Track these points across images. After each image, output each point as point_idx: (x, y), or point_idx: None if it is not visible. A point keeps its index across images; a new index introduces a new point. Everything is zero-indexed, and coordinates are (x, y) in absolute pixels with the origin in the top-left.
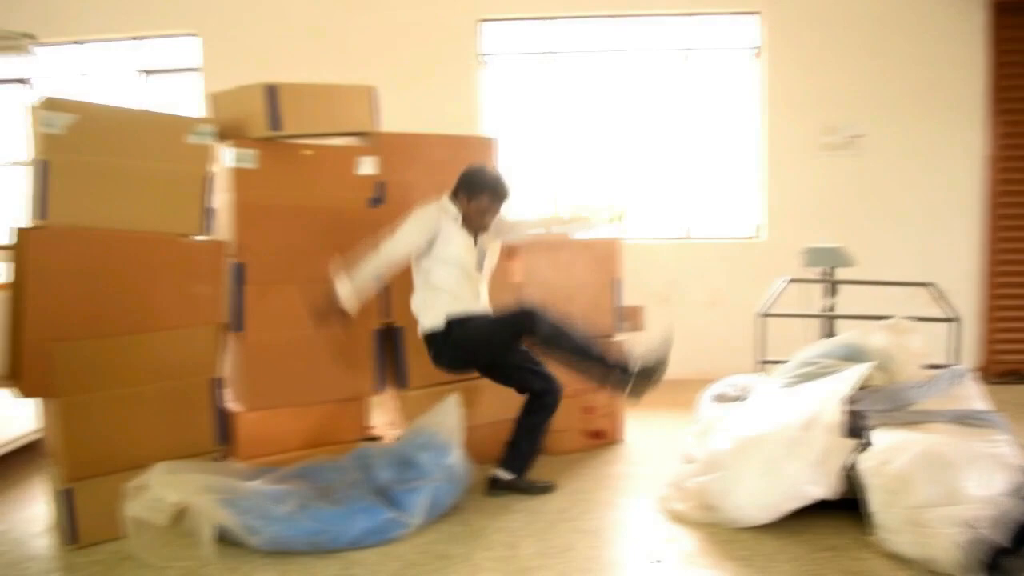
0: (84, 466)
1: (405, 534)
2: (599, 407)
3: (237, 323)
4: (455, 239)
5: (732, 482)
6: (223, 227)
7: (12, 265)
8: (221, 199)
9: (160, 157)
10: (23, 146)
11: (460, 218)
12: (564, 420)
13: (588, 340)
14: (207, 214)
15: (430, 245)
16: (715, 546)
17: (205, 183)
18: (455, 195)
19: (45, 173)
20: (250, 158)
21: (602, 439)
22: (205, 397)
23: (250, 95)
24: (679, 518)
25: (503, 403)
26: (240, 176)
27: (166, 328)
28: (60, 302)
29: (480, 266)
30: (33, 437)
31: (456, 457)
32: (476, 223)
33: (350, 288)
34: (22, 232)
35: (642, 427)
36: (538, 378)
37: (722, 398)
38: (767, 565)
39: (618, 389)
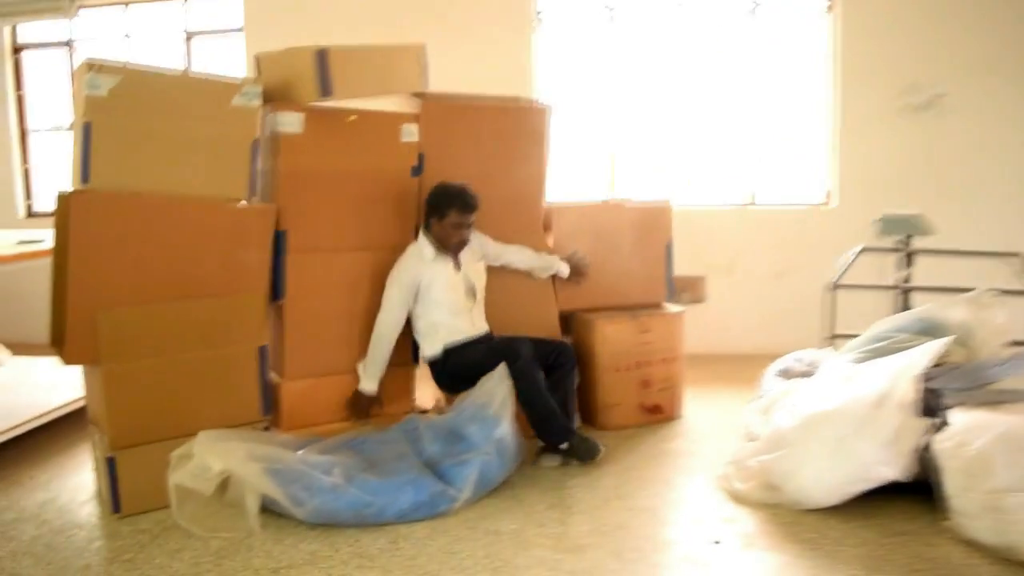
0: (127, 435)
1: (454, 508)
2: (656, 381)
3: (277, 291)
4: (437, 281)
5: (797, 461)
6: (265, 193)
7: (57, 230)
8: (264, 164)
9: (205, 120)
10: (68, 110)
11: (435, 252)
12: (619, 394)
13: (551, 400)
14: (254, 179)
15: (418, 295)
16: (777, 528)
17: (252, 147)
18: (427, 224)
19: (88, 136)
20: (295, 123)
21: (659, 414)
22: (251, 366)
23: (298, 59)
24: (739, 498)
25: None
26: (285, 142)
27: (212, 295)
28: (104, 268)
29: (471, 293)
30: (78, 404)
31: (506, 430)
32: (454, 240)
33: (370, 379)
34: (64, 196)
35: (702, 403)
36: (502, 355)
37: (787, 373)
38: (834, 550)
39: (549, 450)
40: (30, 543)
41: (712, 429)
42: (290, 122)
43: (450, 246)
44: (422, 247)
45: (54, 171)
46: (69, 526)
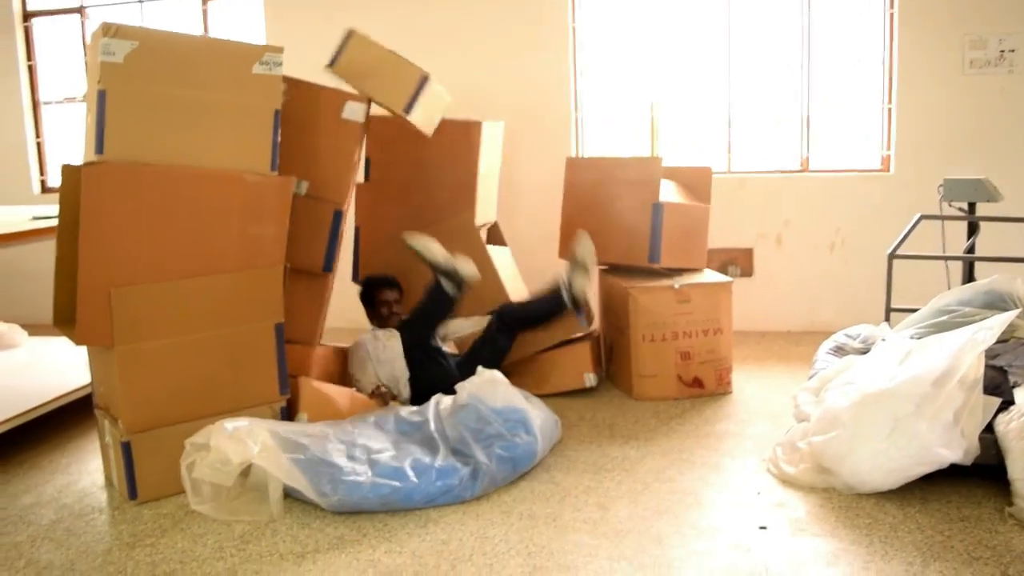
0: (143, 418)
1: (486, 492)
2: (697, 354)
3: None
4: (384, 358)
5: (851, 443)
6: (332, 175)
7: (62, 204)
8: (328, 146)
9: (225, 88)
10: (81, 80)
11: (382, 330)
12: (655, 365)
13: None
14: (275, 150)
15: (375, 363)
16: (829, 513)
17: (274, 117)
18: (369, 315)
19: (103, 105)
20: (360, 112)
21: (699, 389)
22: (268, 343)
23: (402, 70)
24: (789, 481)
25: (578, 365)
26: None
27: (228, 270)
28: (117, 244)
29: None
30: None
31: (539, 410)
32: (394, 315)
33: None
34: (72, 169)
35: (750, 382)
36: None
37: (842, 350)
38: (890, 535)
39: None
40: (49, 528)
41: (761, 409)
42: (356, 111)
43: (394, 323)
44: (373, 331)
45: (68, 144)
46: (89, 510)
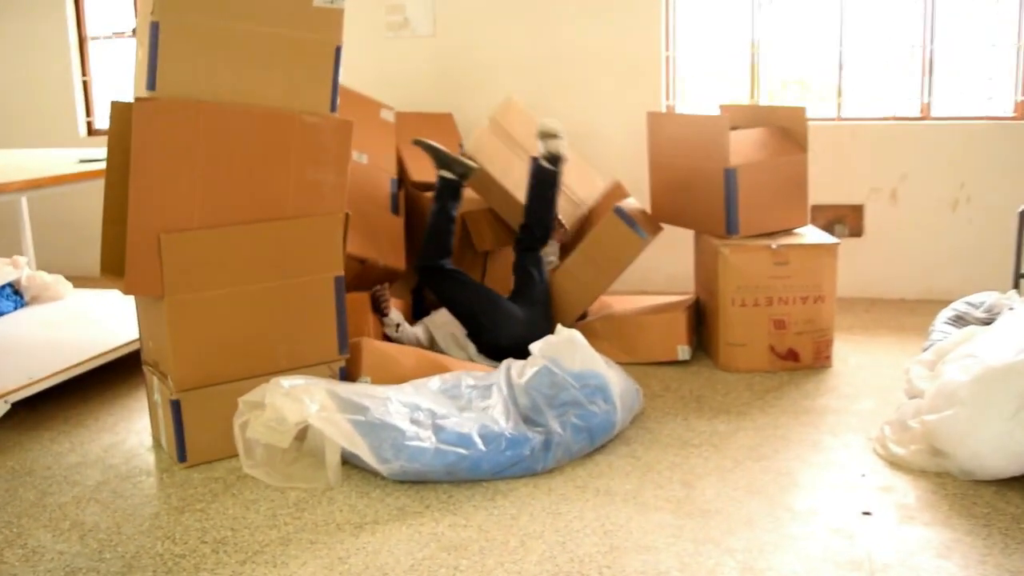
0: (194, 375)
1: (559, 464)
2: (794, 323)
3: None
4: (436, 318)
5: (970, 423)
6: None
7: (110, 144)
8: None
9: (285, 22)
10: (131, 14)
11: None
12: (745, 333)
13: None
14: (335, 90)
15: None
16: (942, 500)
17: (335, 54)
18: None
19: (156, 37)
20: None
21: (794, 362)
22: (328, 297)
23: None
24: (898, 464)
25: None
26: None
27: (285, 217)
28: (168, 186)
29: None
30: None
31: (619, 377)
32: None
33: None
34: (121, 105)
35: (856, 352)
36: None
37: (962, 319)
38: (1011, 527)
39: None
40: (95, 489)
41: (867, 384)
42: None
43: None
44: None
45: (116, 84)
46: (136, 472)
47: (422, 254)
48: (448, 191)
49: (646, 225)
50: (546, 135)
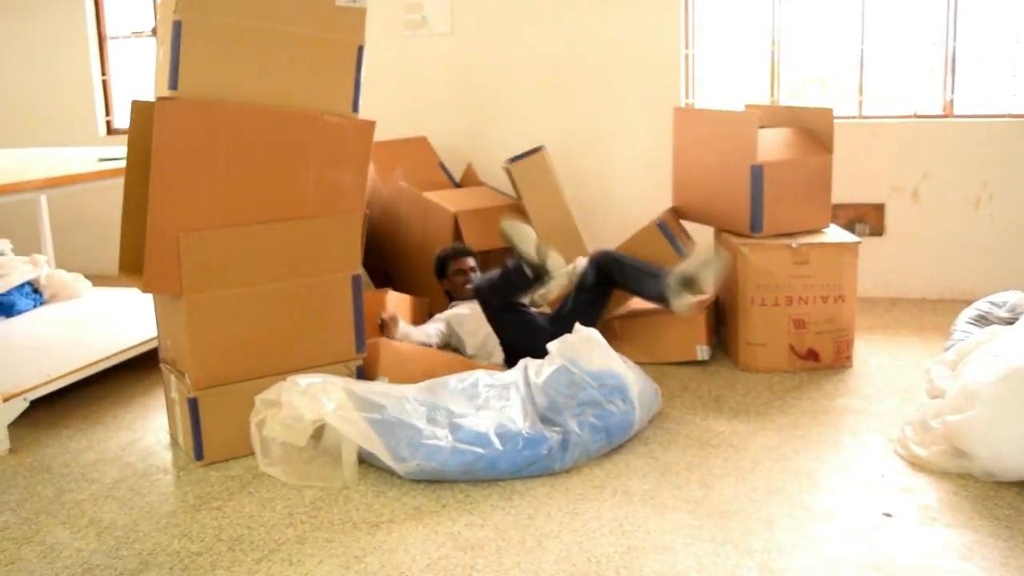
0: (212, 373)
1: (576, 464)
2: (814, 323)
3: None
4: (466, 325)
5: (993, 423)
6: None
7: (131, 143)
8: None
9: (307, 22)
10: (151, 12)
11: (456, 302)
12: (765, 333)
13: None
14: (357, 90)
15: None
16: (964, 502)
17: (357, 54)
18: (444, 288)
19: (178, 36)
20: None
21: (814, 362)
22: (345, 296)
23: None
24: (919, 465)
25: (691, 335)
26: None
27: (304, 217)
28: (188, 185)
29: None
30: None
31: (641, 379)
32: (464, 283)
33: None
34: (142, 105)
35: (877, 352)
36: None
37: (985, 319)
38: None
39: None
40: (112, 486)
41: (888, 384)
42: None
43: (468, 294)
44: (452, 308)
45: (135, 83)
46: (153, 469)
47: (487, 289)
48: (521, 283)
49: (685, 241)
50: (690, 279)
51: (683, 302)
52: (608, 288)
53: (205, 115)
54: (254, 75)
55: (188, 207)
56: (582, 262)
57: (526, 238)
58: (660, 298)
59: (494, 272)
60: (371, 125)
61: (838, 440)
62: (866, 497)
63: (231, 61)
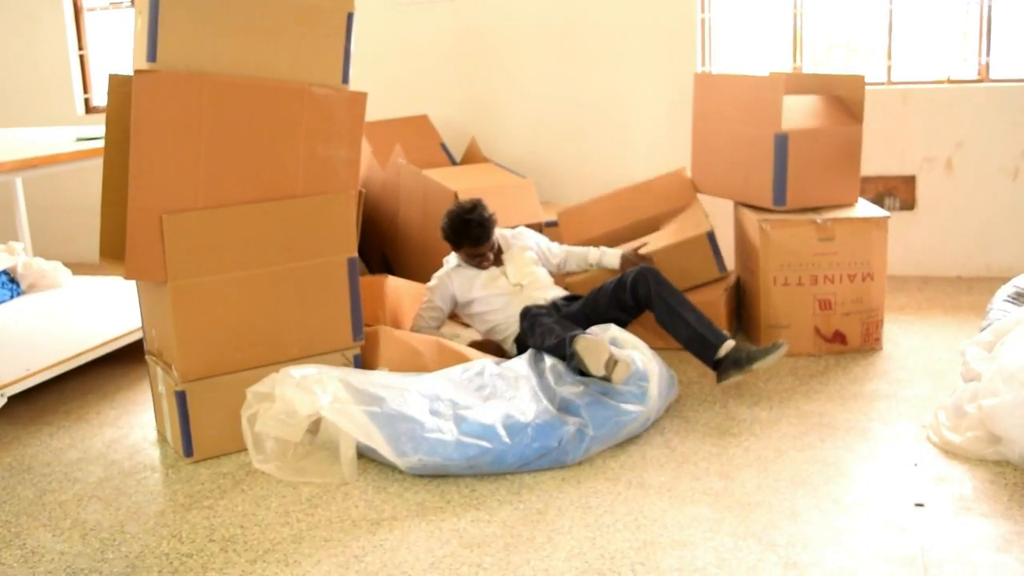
0: (200, 364)
1: (589, 456)
2: (841, 303)
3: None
4: (474, 290)
5: None
6: None
7: (109, 121)
8: None
9: None
10: None
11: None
12: (788, 314)
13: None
14: (347, 60)
15: (461, 304)
16: (1001, 491)
17: (347, 21)
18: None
19: (156, 5)
20: None
21: (841, 345)
22: (340, 280)
23: None
24: (953, 452)
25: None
26: None
27: (295, 196)
28: (171, 163)
29: (519, 276)
30: None
31: (656, 365)
32: (479, 264)
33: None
34: (119, 79)
35: (908, 334)
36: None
37: (1023, 297)
38: None
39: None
40: (97, 486)
41: (920, 367)
42: None
43: (480, 267)
44: (458, 262)
45: (114, 58)
46: (140, 467)
47: (527, 338)
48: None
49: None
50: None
51: (729, 380)
52: (642, 311)
53: (185, 88)
54: (237, 45)
55: (171, 187)
56: (611, 255)
57: (598, 359)
58: (703, 360)
59: (544, 333)
60: (363, 96)
61: (867, 427)
62: (897, 487)
63: (212, 30)
